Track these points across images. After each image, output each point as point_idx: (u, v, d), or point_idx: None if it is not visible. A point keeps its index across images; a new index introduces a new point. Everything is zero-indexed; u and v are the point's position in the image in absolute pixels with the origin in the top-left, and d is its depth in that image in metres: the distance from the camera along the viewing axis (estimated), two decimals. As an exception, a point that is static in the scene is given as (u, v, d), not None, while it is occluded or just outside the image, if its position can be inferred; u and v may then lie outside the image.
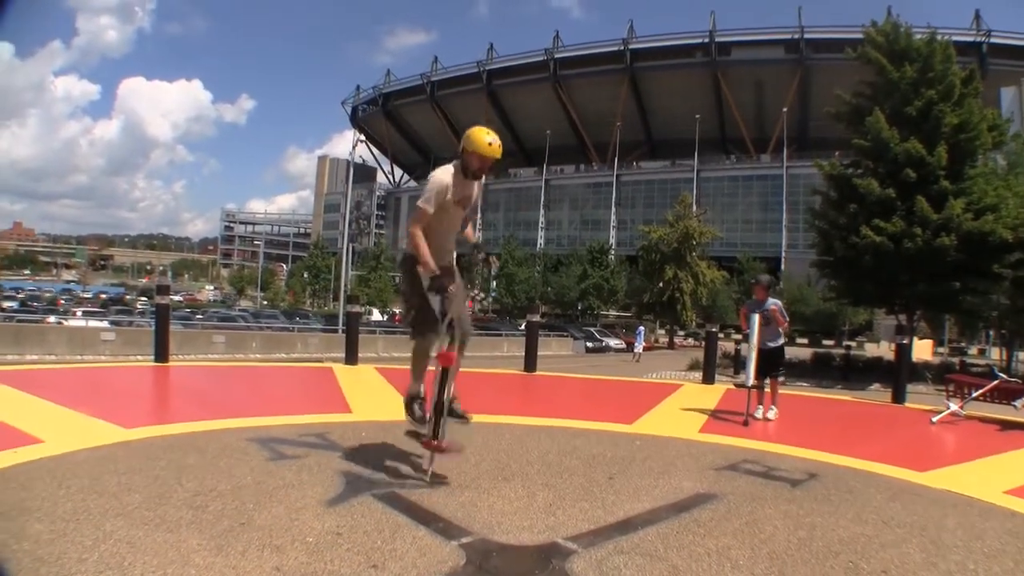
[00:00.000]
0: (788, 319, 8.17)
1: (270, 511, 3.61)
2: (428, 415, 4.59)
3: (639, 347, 36.97)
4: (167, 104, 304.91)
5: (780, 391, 8.24)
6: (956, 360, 28.84)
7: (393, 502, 3.90)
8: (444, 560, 3.12)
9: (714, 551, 3.41)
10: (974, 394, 8.67)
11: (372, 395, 8.25)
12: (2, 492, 3.65)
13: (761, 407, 7.85)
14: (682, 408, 8.43)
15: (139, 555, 2.94)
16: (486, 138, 4.44)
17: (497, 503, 4.03)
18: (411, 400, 4.80)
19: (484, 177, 4.70)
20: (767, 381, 7.92)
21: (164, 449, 4.76)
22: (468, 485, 4.35)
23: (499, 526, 3.61)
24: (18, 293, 71.86)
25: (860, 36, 24.90)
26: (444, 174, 4.50)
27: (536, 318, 13.31)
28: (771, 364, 7.93)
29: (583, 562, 3.19)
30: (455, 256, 4.88)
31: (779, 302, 8.14)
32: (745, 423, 7.28)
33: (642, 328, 42.01)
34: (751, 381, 7.60)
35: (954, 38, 25.07)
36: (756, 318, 7.73)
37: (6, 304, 50.41)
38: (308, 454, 4.87)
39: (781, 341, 8.17)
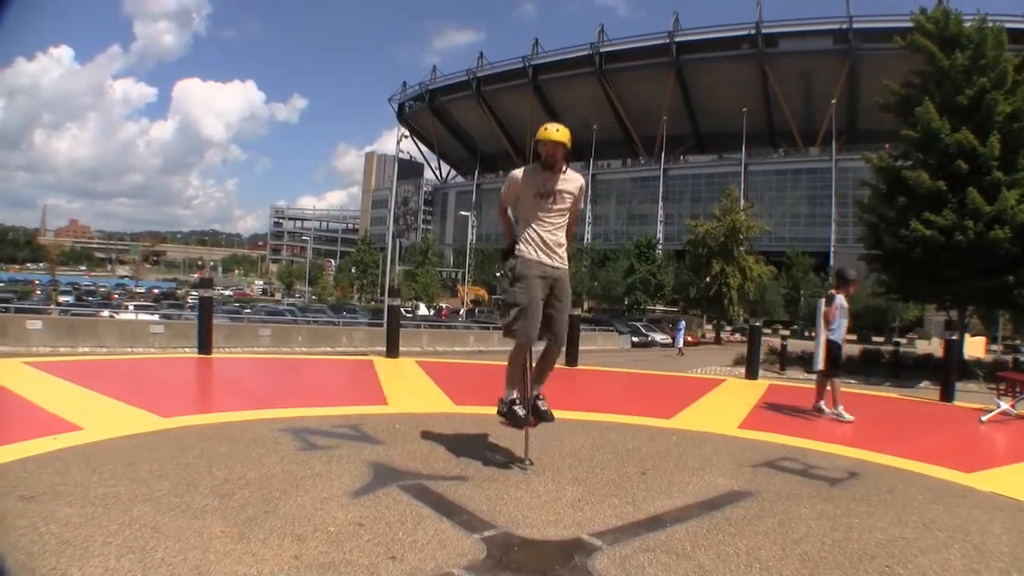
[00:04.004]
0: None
1: (295, 500, 3.62)
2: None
3: (680, 341, 36.72)
4: (221, 104, 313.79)
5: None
6: (1009, 358, 27.85)
7: (420, 494, 3.88)
8: (464, 553, 3.09)
9: (743, 551, 3.31)
10: (1027, 392, 8.41)
11: (410, 388, 8.29)
12: (37, 477, 3.72)
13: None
14: (723, 403, 8.31)
15: (162, 540, 2.97)
16: (547, 125, 4.57)
17: (524, 496, 3.99)
18: (508, 404, 4.77)
19: (565, 171, 4.68)
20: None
21: (198, 438, 4.82)
22: (496, 478, 4.32)
23: (524, 520, 3.57)
24: (74, 288, 73.75)
25: (909, 24, 24.22)
26: (519, 169, 4.70)
27: (577, 312, 13.25)
28: None
29: (606, 559, 3.12)
30: (565, 260, 4.74)
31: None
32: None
33: (683, 322, 41.60)
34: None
35: (1007, 25, 24.13)
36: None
37: (62, 299, 51.88)
38: (340, 445, 4.89)
39: None
